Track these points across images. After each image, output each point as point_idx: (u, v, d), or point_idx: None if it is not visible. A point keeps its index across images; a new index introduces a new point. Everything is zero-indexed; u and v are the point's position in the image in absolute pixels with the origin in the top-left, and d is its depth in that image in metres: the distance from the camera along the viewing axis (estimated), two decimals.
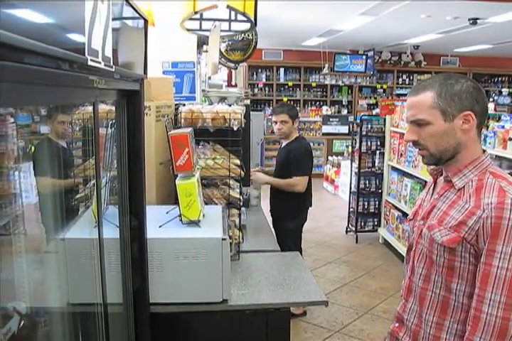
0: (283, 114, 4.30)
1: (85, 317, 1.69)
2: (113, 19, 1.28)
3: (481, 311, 1.45)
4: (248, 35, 5.86)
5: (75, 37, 1.02)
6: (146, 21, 1.81)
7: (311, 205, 4.56)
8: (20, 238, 1.75)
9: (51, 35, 0.90)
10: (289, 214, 4.33)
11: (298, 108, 12.49)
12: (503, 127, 4.28)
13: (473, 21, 7.54)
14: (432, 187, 1.75)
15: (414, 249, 1.73)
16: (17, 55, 0.71)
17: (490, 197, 1.47)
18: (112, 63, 1.24)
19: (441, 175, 1.70)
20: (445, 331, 1.60)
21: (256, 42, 6.00)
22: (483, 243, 1.46)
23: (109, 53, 1.21)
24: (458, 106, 1.53)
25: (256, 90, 12.58)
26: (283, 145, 4.44)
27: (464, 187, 1.57)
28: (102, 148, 1.90)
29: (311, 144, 5.73)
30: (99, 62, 1.10)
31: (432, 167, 1.76)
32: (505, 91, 10.65)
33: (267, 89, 12.74)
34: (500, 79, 13.25)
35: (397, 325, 1.83)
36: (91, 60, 1.02)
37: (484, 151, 1.63)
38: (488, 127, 4.44)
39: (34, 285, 1.58)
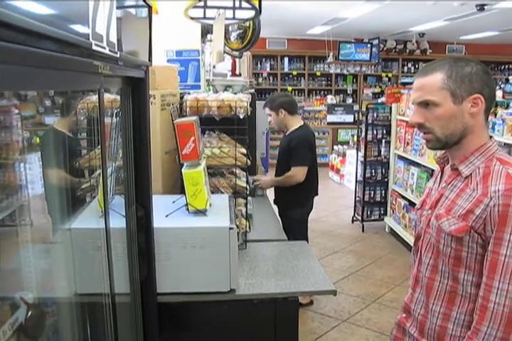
0: (266, 107, 4.32)
1: (93, 307, 1.68)
2: (117, 6, 1.26)
3: (489, 300, 1.43)
4: (244, 23, 5.73)
5: (79, 22, 1.00)
6: (150, 8, 1.78)
7: (316, 194, 4.54)
8: (27, 228, 1.74)
9: (55, 20, 0.88)
10: (294, 204, 4.31)
11: (302, 97, 12.46)
12: (511, 114, 4.24)
13: (481, 7, 7.45)
14: (439, 176, 1.72)
15: (422, 238, 1.70)
16: (19, 36, 0.68)
17: (497, 184, 1.44)
18: (116, 49, 1.21)
19: (448, 163, 1.66)
20: (452, 321, 1.57)
21: (254, 30, 5.80)
22: (490, 231, 1.43)
23: (113, 39, 1.19)
24: (468, 89, 1.50)
25: (260, 80, 12.53)
26: (286, 134, 4.40)
27: (470, 174, 1.54)
28: (107, 138, 1.89)
29: (316, 133, 5.70)
30: (104, 47, 1.08)
31: (438, 155, 1.73)
32: None
33: (271, 78, 12.69)
34: (507, 66, 13.16)
35: (404, 315, 1.81)
36: (95, 44, 0.99)
37: (491, 137, 1.60)
38: (496, 114, 4.40)
39: (41, 276, 1.57)
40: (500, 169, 1.48)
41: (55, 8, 0.88)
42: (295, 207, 4.32)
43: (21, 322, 1.24)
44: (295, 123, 4.31)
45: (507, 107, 4.62)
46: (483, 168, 1.52)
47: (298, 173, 4.15)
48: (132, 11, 1.63)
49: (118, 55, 1.23)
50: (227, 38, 5.72)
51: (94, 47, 0.98)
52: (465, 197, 1.51)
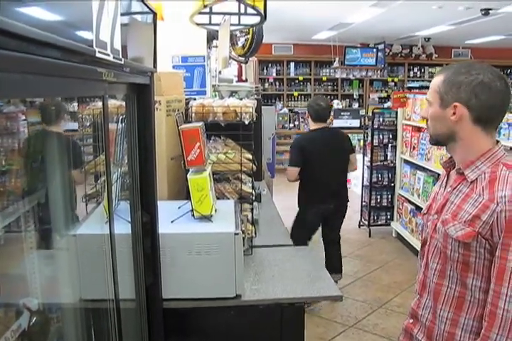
0: None
1: (97, 313, 1.68)
2: (122, 13, 1.26)
3: (498, 307, 1.42)
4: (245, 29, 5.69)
5: (83, 29, 1.00)
6: (155, 15, 1.79)
7: (322, 202, 4.57)
8: (32, 234, 1.75)
9: (59, 27, 0.88)
10: (299, 201, 4.76)
11: None
12: None
13: (486, 12, 7.44)
14: (445, 180, 1.72)
15: (428, 243, 1.69)
16: (22, 44, 0.69)
17: (504, 189, 1.44)
18: (120, 56, 1.22)
19: (454, 167, 1.67)
20: (460, 327, 1.56)
21: (254, 35, 5.73)
22: (497, 237, 1.42)
23: (117, 46, 1.19)
24: (453, 96, 1.53)
25: (266, 85, 12.56)
26: None
27: (476, 179, 1.53)
28: (112, 144, 1.89)
29: None
30: (108, 55, 1.08)
31: (444, 159, 1.74)
32: None
33: (277, 83, 12.71)
34: None
35: (411, 321, 1.80)
36: (99, 51, 1.00)
37: (498, 142, 1.60)
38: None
39: (46, 282, 1.58)
40: (506, 174, 1.48)
41: (59, 16, 0.89)
42: (299, 205, 4.73)
43: (24, 329, 1.24)
44: (312, 127, 4.64)
45: None
46: (489, 173, 1.51)
47: (287, 173, 4.57)
48: (137, 17, 1.63)
49: (122, 62, 1.23)
50: (233, 43, 5.72)
51: (98, 55, 0.99)
52: (471, 202, 1.50)
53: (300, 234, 4.44)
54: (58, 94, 1.09)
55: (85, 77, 1.01)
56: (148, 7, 1.67)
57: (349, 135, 5.17)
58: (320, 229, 4.84)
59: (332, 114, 11.63)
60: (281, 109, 11.84)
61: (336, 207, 4.64)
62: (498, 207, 1.42)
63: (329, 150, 4.50)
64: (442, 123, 1.58)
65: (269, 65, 12.59)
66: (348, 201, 4.86)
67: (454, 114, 1.53)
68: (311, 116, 4.59)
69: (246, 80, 8.44)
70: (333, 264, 4.67)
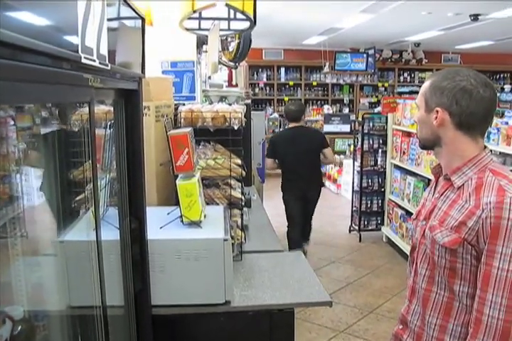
0: None
1: (84, 320, 1.66)
2: (109, 18, 1.26)
3: (483, 313, 1.42)
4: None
5: (68, 34, 0.99)
6: (143, 20, 1.78)
7: (295, 187, 5.44)
8: (20, 240, 1.73)
9: (43, 33, 0.88)
10: (281, 188, 5.60)
11: None
12: (506, 123, 4.24)
13: (475, 17, 7.50)
14: (434, 186, 1.72)
15: (417, 249, 1.69)
16: (6, 51, 0.68)
17: (489, 195, 1.44)
18: (107, 61, 1.21)
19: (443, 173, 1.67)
20: (448, 334, 1.56)
21: (240, 40, 5.69)
22: (483, 243, 1.42)
23: (104, 51, 1.19)
24: (436, 101, 1.55)
25: (257, 90, 12.58)
26: None
27: (463, 185, 1.54)
28: (100, 149, 1.88)
29: None
30: (94, 60, 1.07)
31: (434, 165, 1.75)
32: (507, 87, 10.61)
33: (267, 88, 12.73)
34: (502, 75, 13.21)
35: (400, 326, 1.79)
36: (85, 57, 0.99)
37: (485, 148, 1.60)
38: (491, 124, 4.40)
39: (33, 289, 1.56)
40: (492, 181, 1.48)
41: (43, 21, 0.88)
42: (282, 191, 5.59)
43: (6, 339, 1.22)
44: (288, 126, 5.67)
45: (502, 116, 4.63)
46: (476, 179, 1.51)
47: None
48: (125, 22, 1.63)
49: (109, 68, 1.22)
50: (224, 48, 5.71)
51: (83, 61, 0.98)
52: (457, 209, 1.51)
53: (292, 230, 5.53)
54: (43, 100, 1.08)
55: (71, 83, 1.00)
56: (136, 12, 1.66)
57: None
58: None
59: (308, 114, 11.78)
60: (271, 114, 11.85)
61: (308, 191, 5.50)
62: (484, 213, 1.42)
63: (298, 144, 5.32)
64: (427, 127, 1.60)
65: (260, 70, 12.61)
66: (322, 186, 5.74)
67: (435, 118, 1.55)
68: (286, 118, 5.69)
69: (236, 85, 8.45)
70: (304, 234, 5.76)
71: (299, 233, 5.58)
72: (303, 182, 5.40)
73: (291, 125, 5.50)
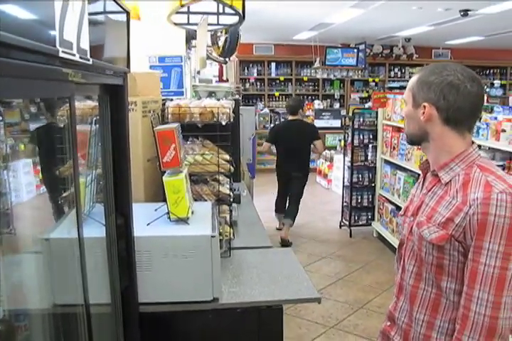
0: None
1: (68, 319, 1.64)
2: (92, 12, 1.23)
3: (470, 309, 1.41)
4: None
5: (46, 28, 0.97)
6: (128, 14, 1.75)
7: (284, 168, 6.50)
8: (7, 237, 1.70)
9: (18, 26, 0.85)
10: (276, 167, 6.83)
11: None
12: (495, 118, 4.24)
13: (465, 13, 7.51)
14: (422, 182, 1.71)
15: (405, 245, 1.68)
16: None
17: (476, 192, 1.42)
18: (89, 56, 1.18)
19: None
20: (436, 330, 1.55)
21: (227, 34, 5.64)
22: (470, 239, 1.41)
23: (85, 46, 1.16)
24: (423, 96, 1.54)
25: (247, 85, 12.54)
26: None
27: (450, 181, 1.53)
28: (85, 146, 1.85)
29: None
30: (73, 55, 1.05)
31: (422, 161, 1.74)
32: (496, 83, 10.64)
33: (258, 83, 12.69)
34: (492, 71, 13.25)
35: (388, 323, 1.79)
36: (63, 51, 0.96)
37: (473, 143, 1.59)
38: (480, 119, 4.40)
39: (15, 288, 1.53)
40: (479, 177, 1.47)
41: (18, 13, 0.86)
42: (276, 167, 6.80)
43: None
44: (289, 118, 6.68)
45: (491, 111, 4.63)
46: (463, 175, 1.50)
47: (263, 145, 6.77)
48: (109, 16, 1.60)
49: (91, 62, 1.20)
50: (213, 42, 5.67)
51: (61, 55, 0.96)
52: (444, 205, 1.49)
53: (278, 197, 6.76)
54: (20, 95, 1.06)
55: (49, 77, 0.98)
56: (120, 6, 1.63)
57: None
58: None
59: (306, 109, 11.81)
60: (262, 109, 11.82)
61: (294, 171, 6.42)
62: (471, 209, 1.41)
63: (294, 134, 6.33)
64: (415, 122, 1.59)
65: (250, 65, 12.57)
66: (308, 172, 6.63)
67: (422, 113, 1.54)
68: (287, 111, 6.87)
69: (227, 80, 8.43)
70: (289, 211, 6.56)
71: (281, 201, 6.72)
72: (292, 164, 6.40)
73: (290, 117, 6.56)
